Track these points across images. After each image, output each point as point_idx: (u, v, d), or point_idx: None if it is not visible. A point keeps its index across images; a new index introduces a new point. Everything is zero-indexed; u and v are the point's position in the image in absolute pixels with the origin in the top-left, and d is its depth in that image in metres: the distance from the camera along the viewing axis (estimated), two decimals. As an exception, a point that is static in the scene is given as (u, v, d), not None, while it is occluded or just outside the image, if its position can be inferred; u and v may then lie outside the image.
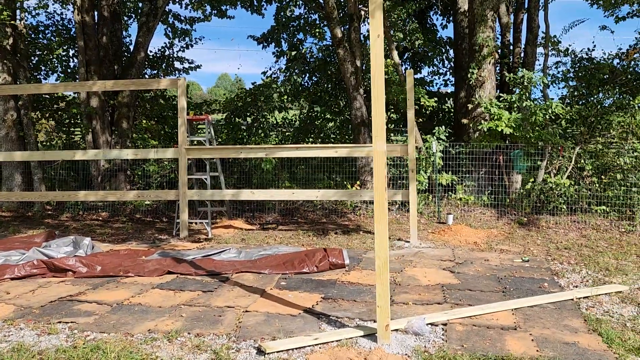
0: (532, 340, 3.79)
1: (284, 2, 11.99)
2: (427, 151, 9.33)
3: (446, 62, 13.66)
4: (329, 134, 12.40)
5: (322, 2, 10.07)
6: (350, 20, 10.31)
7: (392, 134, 10.77)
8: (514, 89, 9.98)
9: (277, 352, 3.55)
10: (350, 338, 3.80)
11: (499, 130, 8.93)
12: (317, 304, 4.61)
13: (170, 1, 12.51)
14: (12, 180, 10.80)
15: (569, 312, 4.40)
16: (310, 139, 12.20)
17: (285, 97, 12.50)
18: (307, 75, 12.79)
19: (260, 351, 3.57)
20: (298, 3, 12.15)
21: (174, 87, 8.01)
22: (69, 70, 12.59)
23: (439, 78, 13.79)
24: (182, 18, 13.64)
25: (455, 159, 9.52)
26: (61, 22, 12.63)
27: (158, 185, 10.55)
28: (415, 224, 7.42)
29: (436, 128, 9.47)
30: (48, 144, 12.46)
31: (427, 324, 4.05)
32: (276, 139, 11.85)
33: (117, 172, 10.95)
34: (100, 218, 9.88)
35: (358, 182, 9.85)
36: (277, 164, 10.24)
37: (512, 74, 9.91)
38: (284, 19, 12.42)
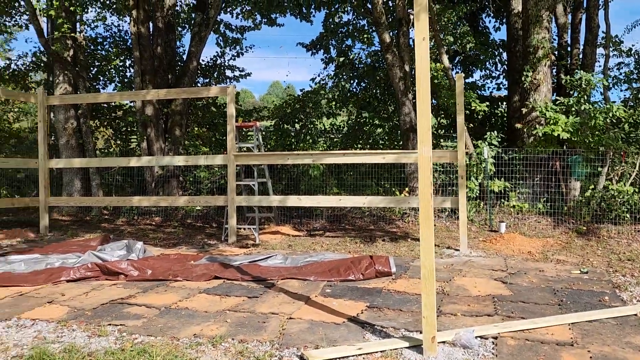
0: (591, 357, 3.55)
1: (333, 9, 12.01)
2: (478, 157, 9.06)
3: (499, 65, 13.28)
4: (377, 140, 12.29)
5: (370, 7, 10.01)
6: (399, 24, 10.20)
7: (441, 140, 10.55)
8: (571, 92, 9.55)
9: (320, 361, 3.49)
10: (395, 349, 3.69)
11: (556, 135, 8.55)
12: (361, 313, 4.52)
13: (222, 11, 12.79)
14: (72, 185, 11.30)
15: (632, 329, 4.12)
16: (359, 145, 12.13)
17: (334, 103, 12.50)
18: (356, 81, 12.75)
19: None
20: (346, 9, 12.14)
21: (224, 95, 8.15)
22: (125, 80, 13.09)
23: (491, 82, 13.46)
24: (233, 27, 13.92)
25: (508, 165, 9.19)
26: (118, 33, 13.17)
27: (208, 191, 10.77)
28: (465, 232, 7.20)
29: (488, 133, 9.18)
30: (106, 151, 12.97)
31: (476, 337, 3.89)
32: (324, 145, 11.86)
33: (170, 178, 11.26)
34: (154, 223, 10.16)
35: (407, 189, 9.69)
36: (324, 170, 10.22)
37: (569, 76, 9.49)
38: (332, 26, 12.45)
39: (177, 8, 13.11)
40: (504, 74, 13.23)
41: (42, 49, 13.21)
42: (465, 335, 3.81)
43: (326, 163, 9.73)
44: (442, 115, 11.72)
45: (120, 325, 4.25)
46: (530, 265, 6.40)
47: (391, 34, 9.92)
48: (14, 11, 11.68)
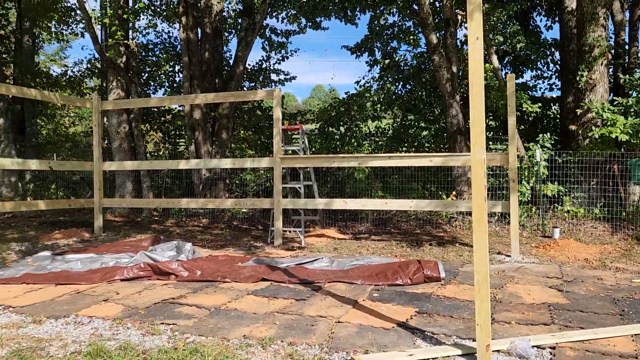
0: (657, 371, 3.37)
1: (378, 11, 11.94)
2: (529, 160, 8.78)
3: (551, 65, 12.85)
4: (423, 143, 12.11)
5: (417, 8, 9.89)
6: (446, 25, 10.04)
7: (490, 142, 10.28)
8: (630, 92, 9.12)
9: (371, 366, 3.45)
10: (447, 357, 3.60)
11: (613, 137, 8.18)
12: (411, 318, 4.44)
13: (267, 16, 12.93)
14: (124, 188, 11.66)
15: (702, 343, 3.87)
16: (404, 148, 12.00)
17: (379, 105, 12.41)
18: (401, 83, 12.62)
19: (353, 364, 3.49)
20: (392, 11, 12.04)
21: (270, 98, 8.22)
22: (174, 85, 13.43)
23: (543, 82, 13.02)
24: (279, 31, 14.06)
25: (562, 169, 8.86)
26: (168, 40, 13.52)
27: (254, 193, 10.89)
28: (516, 237, 6.98)
29: (540, 135, 8.89)
30: (155, 154, 13.33)
31: (532, 346, 3.75)
32: (369, 148, 11.79)
33: (217, 181, 11.45)
34: (201, 224, 10.35)
35: (454, 193, 9.50)
36: (370, 173, 10.15)
37: (627, 76, 9.07)
38: (377, 28, 12.36)
39: (224, 14, 13.34)
40: (556, 74, 12.79)
41: (96, 56, 13.74)
42: (521, 344, 3.68)
43: (371, 166, 9.67)
44: (491, 117, 11.43)
45: (172, 324, 4.33)
46: (588, 272, 6.14)
47: (438, 35, 9.77)
48: (70, 19, 12.24)
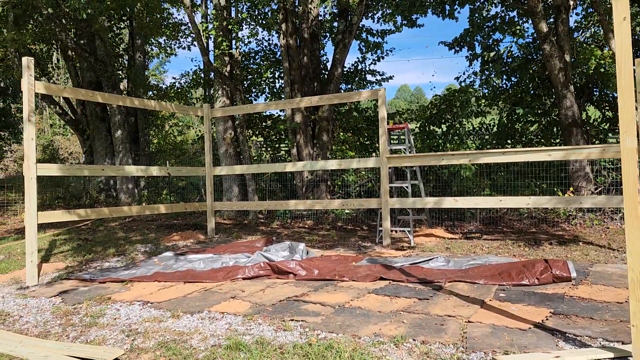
0: None
1: (479, 3, 11.53)
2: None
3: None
4: (531, 138, 11.51)
5: (523, -4, 9.43)
6: (557, 12, 9.48)
7: (609, 134, 9.56)
8: None
9: (514, 367, 3.31)
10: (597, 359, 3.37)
11: None
12: (547, 319, 4.21)
13: (363, 17, 12.95)
14: (231, 191, 12.18)
15: None
16: (510, 144, 11.47)
17: (482, 100, 11.98)
18: (505, 76, 12.09)
19: (494, 365, 3.37)
20: (494, 2, 11.58)
21: (375, 98, 8.21)
22: (274, 91, 13.83)
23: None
24: (374, 32, 14.03)
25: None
26: (268, 47, 13.96)
27: (357, 194, 10.93)
28: (651, 235, 6.40)
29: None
30: (257, 158, 13.80)
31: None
32: (473, 145, 11.40)
33: (319, 183, 11.63)
34: (306, 226, 10.56)
35: (571, 189, 8.93)
36: (476, 170, 9.82)
37: None
38: (478, 20, 11.95)
39: (320, 18, 13.55)
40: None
41: (200, 67, 14.51)
42: (683, 350, 3.36)
43: (478, 163, 9.34)
44: (607, 108, 10.63)
45: (302, 321, 4.42)
46: None
47: (547, 22, 9.24)
48: (180, 34, 13.05)
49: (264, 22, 11.70)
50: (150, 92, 16.03)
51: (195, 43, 14.14)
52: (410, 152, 8.39)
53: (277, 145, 13.62)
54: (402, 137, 9.16)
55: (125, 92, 16.38)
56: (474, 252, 7.15)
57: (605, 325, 4.03)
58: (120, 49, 16.50)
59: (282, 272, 6.09)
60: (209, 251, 7.76)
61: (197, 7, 10.71)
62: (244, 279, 6.07)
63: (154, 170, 8.77)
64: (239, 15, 11.47)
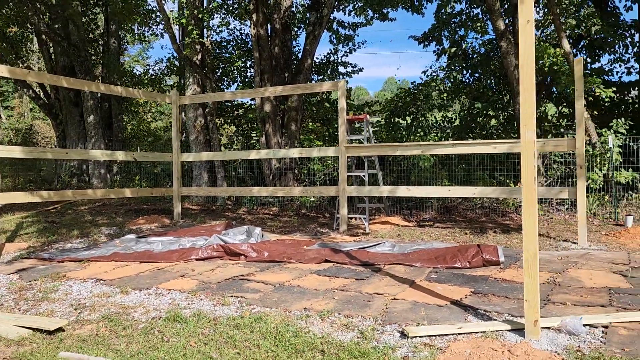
0: None
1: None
2: (602, 146, 8.48)
3: (631, 47, 12.15)
4: (492, 132, 11.91)
5: (483, -6, 9.77)
6: (514, 10, 9.83)
7: (562, 130, 9.98)
8: None
9: (420, 336, 3.64)
10: (496, 331, 3.72)
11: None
12: (465, 297, 4.58)
13: (335, 9, 13.19)
14: (200, 178, 12.41)
15: None
16: (471, 137, 11.86)
17: (445, 95, 12.33)
18: (469, 71, 12.46)
19: (403, 335, 3.70)
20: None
21: (335, 89, 8.50)
22: (246, 80, 14.03)
23: (620, 66, 12.32)
24: (346, 24, 14.28)
25: (636, 155, 8.48)
26: (240, 37, 14.13)
27: (322, 182, 11.24)
28: (584, 224, 6.83)
29: (614, 121, 8.55)
30: (229, 146, 14.03)
31: (584, 325, 3.79)
32: (435, 138, 11.77)
33: (286, 171, 11.91)
34: (271, 212, 10.85)
35: (521, 180, 9.33)
36: (435, 162, 10.18)
37: None
38: (444, 16, 12.27)
39: (293, 9, 13.75)
40: (635, 57, 12.08)
41: (174, 54, 14.61)
42: (571, 322, 3.73)
43: (436, 155, 9.71)
44: (564, 104, 11.05)
45: (241, 297, 4.73)
46: (659, 260, 5.94)
47: (507, 20, 9.59)
48: (151, 21, 13.15)
49: (235, 11, 11.87)
50: (125, 79, 16.09)
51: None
52: (369, 143, 8.70)
53: (248, 134, 13.85)
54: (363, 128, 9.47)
55: (100, 78, 16.45)
56: (421, 239, 7.52)
57: (516, 303, 4.40)
58: (96, 34, 16.53)
59: (235, 253, 6.39)
60: (171, 234, 8.01)
61: (168, -5, 10.87)
62: (197, 259, 6.35)
63: (120, 155, 8.97)
64: (211, 4, 11.63)
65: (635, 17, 12.33)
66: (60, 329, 4.03)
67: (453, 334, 3.68)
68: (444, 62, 12.81)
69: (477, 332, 3.70)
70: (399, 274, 5.49)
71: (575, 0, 9.71)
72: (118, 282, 5.37)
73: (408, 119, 12.06)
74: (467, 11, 12.29)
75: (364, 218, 8.46)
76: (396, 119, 11.97)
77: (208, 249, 6.45)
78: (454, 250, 5.94)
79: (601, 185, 8.49)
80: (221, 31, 13.01)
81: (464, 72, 12.20)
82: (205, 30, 12.30)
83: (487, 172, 10.52)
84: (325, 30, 14.41)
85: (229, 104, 13.68)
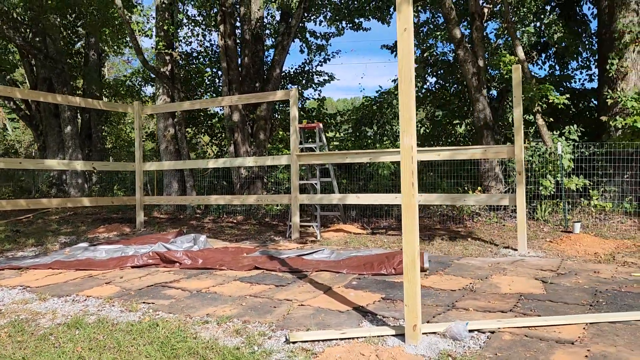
0: (586, 357, 3.31)
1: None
2: (553, 153, 8.49)
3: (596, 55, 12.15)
4: (459, 139, 11.94)
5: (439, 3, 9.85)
6: (471, 18, 9.90)
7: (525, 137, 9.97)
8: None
9: (302, 342, 3.67)
10: (380, 336, 3.74)
11: (639, 126, 7.73)
12: (372, 303, 4.59)
13: (305, 20, 13.32)
14: (170, 187, 12.49)
15: (657, 332, 3.73)
16: (440, 144, 11.89)
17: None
18: (435, 79, 12.52)
19: (287, 340, 3.73)
20: (426, 8, 12.00)
21: (288, 98, 8.57)
22: (219, 90, 14.15)
23: (581, 73, 12.30)
24: (318, 34, 14.40)
25: (590, 162, 8.48)
26: (210, 47, 14.27)
27: (286, 191, 11.28)
28: (523, 231, 6.83)
29: (566, 127, 8.57)
30: (202, 156, 14.11)
31: (472, 330, 3.80)
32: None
33: (255, 180, 11.98)
34: (235, 221, 10.90)
35: (479, 188, 9.36)
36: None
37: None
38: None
39: (266, 20, 13.90)
40: (595, 64, 12.10)
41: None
42: (456, 327, 3.75)
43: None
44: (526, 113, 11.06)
45: (152, 303, 4.77)
46: (588, 266, 5.93)
47: (463, 29, 9.67)
48: (119, 35, 13.31)
49: (202, 23, 12.00)
50: (107, 89, 16.26)
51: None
52: (322, 151, 8.76)
53: (222, 144, 13.93)
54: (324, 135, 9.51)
55: (82, 89, 16.64)
56: (366, 246, 7.53)
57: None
58: (79, 46, 16.75)
59: (170, 261, 6.43)
60: (122, 242, 8.06)
61: (134, 8, 11.01)
62: (132, 267, 6.40)
63: (78, 165, 9.06)
64: (178, 15, 11.78)
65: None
66: (-41, 335, 4.08)
67: (335, 339, 3.70)
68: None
69: (359, 337, 3.72)
70: (322, 280, 5.51)
71: (534, 8, 9.75)
72: (43, 289, 5.42)
73: (375, 127, 12.11)
74: (432, 20, 12.37)
75: (316, 226, 8.49)
76: (363, 128, 12.03)
77: (144, 257, 6.50)
78: (382, 257, 5.96)
79: (552, 192, 8.48)
80: (190, 42, 13.15)
81: (430, 79, 12.24)
82: (174, 41, 12.43)
83: (453, 179, 10.54)
84: (298, 40, 14.57)
85: (202, 113, 13.80)
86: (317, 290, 5.10)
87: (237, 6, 12.30)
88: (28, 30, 14.08)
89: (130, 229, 9.93)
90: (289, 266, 6.07)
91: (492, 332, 3.80)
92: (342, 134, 12.10)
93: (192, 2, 10.81)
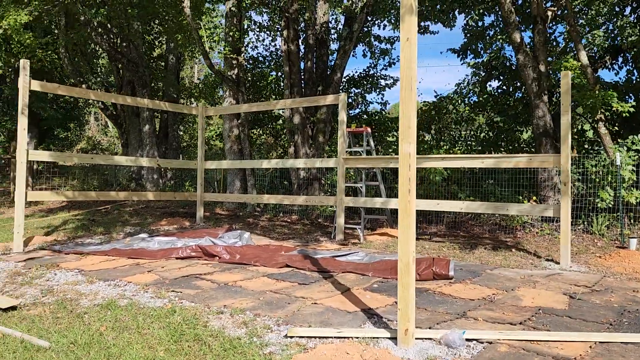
0: (577, 375, 3.24)
1: (473, 13, 11.69)
2: (611, 163, 8.03)
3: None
4: (523, 146, 11.52)
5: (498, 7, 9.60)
6: (533, 22, 9.56)
7: (586, 146, 9.51)
8: None
9: (298, 337, 3.85)
10: (375, 337, 3.84)
11: None
12: (384, 307, 4.68)
13: (369, 23, 13.43)
14: (233, 185, 13.09)
15: (667, 356, 3.53)
16: (500, 151, 11.54)
17: (467, 108, 12.10)
18: (499, 83, 12.14)
19: (286, 335, 3.93)
20: (487, 11, 11.70)
21: (337, 102, 8.76)
22: (283, 93, 14.59)
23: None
24: (382, 38, 14.44)
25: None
26: (275, 52, 14.76)
27: (345, 193, 11.47)
28: (566, 244, 6.55)
29: (630, 137, 8.06)
30: (265, 155, 14.64)
31: (470, 339, 3.80)
32: (458, 151, 11.58)
33: (313, 181, 12.27)
34: (289, 220, 11.25)
35: (534, 197, 9.02)
36: (450, 175, 10.07)
37: None
38: (472, 29, 12.09)
39: (330, 24, 14.16)
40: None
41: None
42: (452, 335, 3.76)
43: (451, 169, 9.63)
44: (579, 119, 10.47)
45: (179, 292, 5.15)
46: (629, 285, 5.60)
47: (522, 33, 9.34)
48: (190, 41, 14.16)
49: (266, 30, 12.48)
50: (184, 91, 17.30)
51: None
52: (369, 155, 8.86)
53: (284, 145, 14.37)
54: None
55: (162, 91, 17.84)
56: (404, 251, 7.54)
57: (427, 315, 4.45)
58: (161, 50, 17.96)
59: (210, 254, 6.84)
60: (176, 235, 8.63)
61: (203, 15, 11.70)
62: (177, 258, 6.87)
63: (144, 162, 9.79)
64: (244, 22, 12.35)
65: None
66: (13, 308, 4.66)
67: (330, 337, 3.85)
68: (467, 75, 12.56)
69: (355, 337, 3.84)
70: (345, 281, 5.64)
71: (603, 10, 9.23)
72: (94, 274, 5.99)
73: (432, 132, 11.98)
74: (497, 22, 12.01)
75: (359, 228, 8.61)
76: (421, 132, 11.93)
77: (188, 250, 6.96)
78: (409, 262, 5.97)
79: (610, 205, 7.99)
80: (256, 47, 13.69)
81: (492, 83, 11.88)
82: (240, 47, 13.01)
83: (512, 188, 10.21)
84: (363, 45, 14.71)
85: (266, 116, 14.32)
86: (336, 290, 5.25)
87: (304, 11, 12.66)
88: (113, 36, 15.32)
89: (190, 223, 10.56)
90: (319, 266, 6.26)
91: (490, 343, 3.77)
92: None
93: (257, 10, 11.30)
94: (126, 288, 5.36)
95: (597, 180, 8.45)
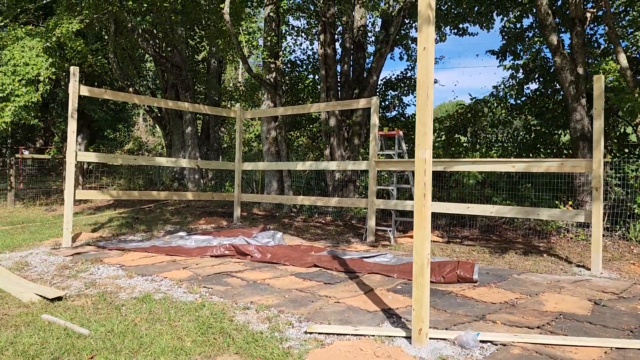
0: (586, 379, 3.29)
1: (511, 15, 11.56)
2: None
3: None
4: (563, 150, 11.30)
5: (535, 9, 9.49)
6: (571, 24, 9.41)
7: (626, 150, 9.27)
8: None
9: (317, 333, 4.04)
10: (390, 336, 3.98)
11: None
12: (404, 307, 4.80)
13: (404, 28, 13.47)
14: (270, 186, 13.40)
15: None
16: (539, 154, 11.36)
17: (503, 111, 11.96)
18: (538, 85, 11.94)
19: (306, 331, 4.12)
20: (526, 13, 11.55)
21: (369, 105, 8.90)
22: (320, 96, 14.83)
23: None
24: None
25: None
26: (312, 55, 14.99)
27: (378, 195, 11.57)
28: (597, 250, 6.47)
29: (670, 141, 7.85)
30: (303, 157, 14.90)
31: (484, 341, 3.89)
32: (495, 154, 11.46)
33: (348, 183, 12.43)
34: (323, 221, 11.44)
35: (570, 202, 8.89)
36: (485, 179, 10.02)
37: None
38: (510, 30, 11.95)
39: (368, 27, 14.30)
40: None
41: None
42: (466, 336, 3.86)
43: (485, 172, 9.59)
44: (623, 123, 10.17)
45: (210, 288, 5.43)
46: (660, 292, 5.50)
47: (560, 35, 9.21)
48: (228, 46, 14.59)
49: (303, 34, 12.73)
50: (225, 94, 17.80)
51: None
52: (401, 158, 8.94)
53: (321, 147, 14.59)
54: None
55: (204, 94, 18.41)
56: (432, 254, 7.60)
57: (447, 317, 4.55)
58: (204, 54, 18.54)
59: (243, 253, 7.12)
60: (213, 234, 8.97)
61: (243, 20, 12.05)
62: (211, 256, 7.18)
63: (184, 163, 10.21)
64: (282, 27, 12.64)
65: None
66: (59, 299, 5.05)
67: (347, 334, 4.02)
68: (504, 77, 12.38)
69: (370, 335, 3.99)
70: (369, 282, 5.79)
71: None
72: (133, 269, 6.36)
73: (468, 135, 11.91)
74: (536, 24, 11.81)
75: (390, 230, 8.71)
76: (455, 135, 11.88)
77: (222, 248, 7.26)
78: (434, 265, 6.07)
79: (648, 210, 7.80)
80: (293, 51, 13.96)
81: (531, 86, 11.71)
82: (278, 51, 13.32)
83: (551, 192, 10.06)
84: (398, 47, 14.75)
85: (304, 118, 14.58)
86: (359, 290, 5.40)
87: (341, 15, 12.85)
88: (158, 41, 15.94)
89: (227, 223, 10.92)
90: (346, 266, 6.42)
91: (504, 345, 3.85)
92: (435, 142, 12.07)
93: (294, 15, 11.56)
94: (162, 283, 5.68)
95: (637, 185, 8.26)
